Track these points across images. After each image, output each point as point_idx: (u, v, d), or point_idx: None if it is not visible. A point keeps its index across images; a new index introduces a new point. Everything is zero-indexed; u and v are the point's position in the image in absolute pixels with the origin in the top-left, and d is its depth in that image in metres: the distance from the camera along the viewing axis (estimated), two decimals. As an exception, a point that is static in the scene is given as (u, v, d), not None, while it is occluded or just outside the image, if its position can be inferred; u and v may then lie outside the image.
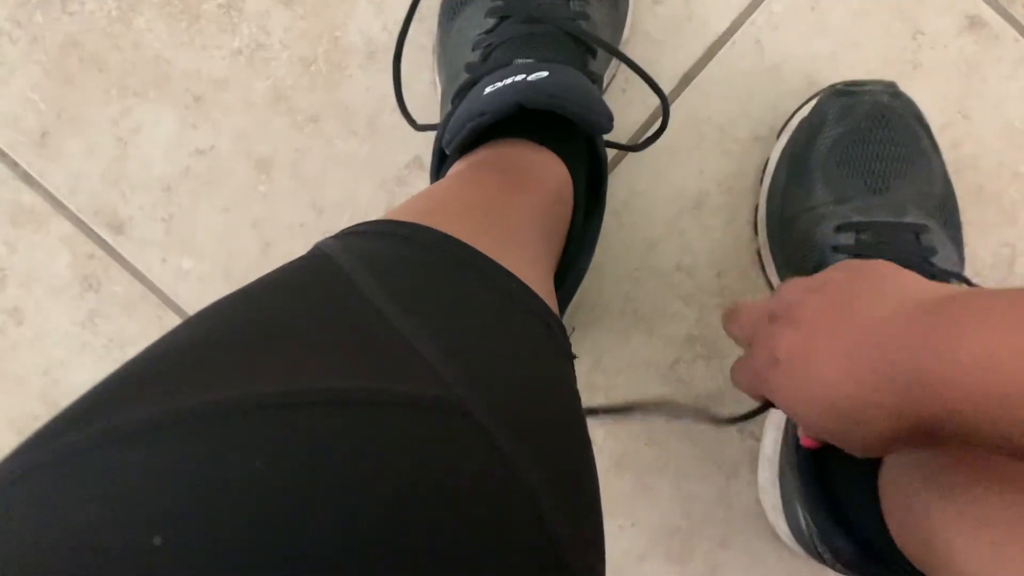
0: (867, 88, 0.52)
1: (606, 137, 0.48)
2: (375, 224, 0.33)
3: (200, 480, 0.19)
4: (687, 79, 0.57)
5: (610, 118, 0.44)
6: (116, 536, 0.18)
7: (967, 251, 0.56)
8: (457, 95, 0.47)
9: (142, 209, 0.60)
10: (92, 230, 0.60)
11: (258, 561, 0.18)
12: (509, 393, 0.25)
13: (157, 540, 0.18)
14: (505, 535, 0.22)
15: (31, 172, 0.60)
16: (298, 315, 0.26)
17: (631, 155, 0.58)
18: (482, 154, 0.45)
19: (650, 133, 0.49)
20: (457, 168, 0.45)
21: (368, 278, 0.28)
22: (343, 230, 0.33)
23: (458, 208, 0.37)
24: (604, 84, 0.55)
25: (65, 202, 0.60)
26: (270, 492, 0.19)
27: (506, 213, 0.39)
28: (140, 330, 0.60)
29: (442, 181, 0.44)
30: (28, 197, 0.60)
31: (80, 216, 0.60)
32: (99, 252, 0.60)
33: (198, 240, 0.60)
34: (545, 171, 0.44)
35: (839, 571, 0.49)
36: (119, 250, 0.60)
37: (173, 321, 0.60)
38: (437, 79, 0.56)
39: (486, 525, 0.21)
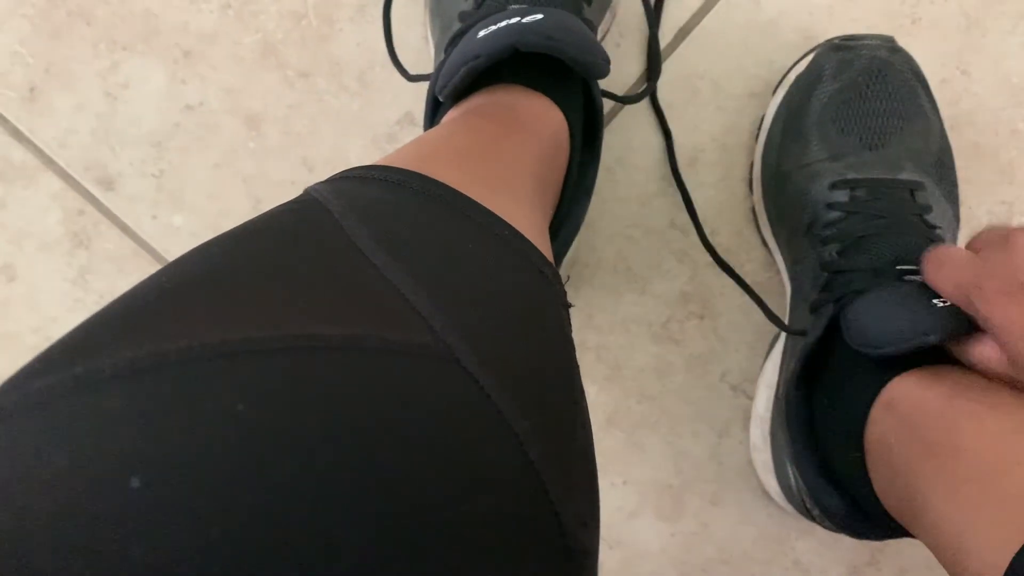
0: (865, 43, 0.51)
1: (602, 86, 0.47)
2: (366, 170, 0.32)
3: (180, 422, 0.19)
4: (683, 33, 0.56)
5: (607, 61, 0.43)
6: (91, 479, 0.18)
7: (963, 209, 0.56)
8: (450, 43, 0.47)
9: (132, 165, 0.59)
10: (82, 186, 0.59)
11: (239, 500, 0.18)
12: (499, 341, 0.25)
13: (135, 482, 0.17)
14: (491, 482, 0.21)
15: (20, 127, 0.59)
16: (284, 259, 0.25)
17: (625, 111, 0.57)
18: (476, 100, 0.44)
19: (640, 90, 0.48)
20: (451, 115, 0.44)
21: (357, 224, 0.27)
22: (334, 175, 0.32)
23: (451, 155, 0.36)
24: (599, 36, 0.54)
25: (55, 158, 0.59)
26: (252, 434, 0.19)
27: (500, 160, 0.38)
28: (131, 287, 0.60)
29: (435, 128, 0.43)
30: (17, 153, 0.59)
31: (70, 172, 0.59)
32: (89, 208, 0.60)
33: (188, 196, 0.59)
34: (541, 117, 0.44)
35: (828, 528, 0.49)
36: (109, 206, 0.59)
37: (165, 278, 0.60)
38: (429, 34, 0.55)
39: (471, 471, 0.21)
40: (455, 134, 0.40)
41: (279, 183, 0.59)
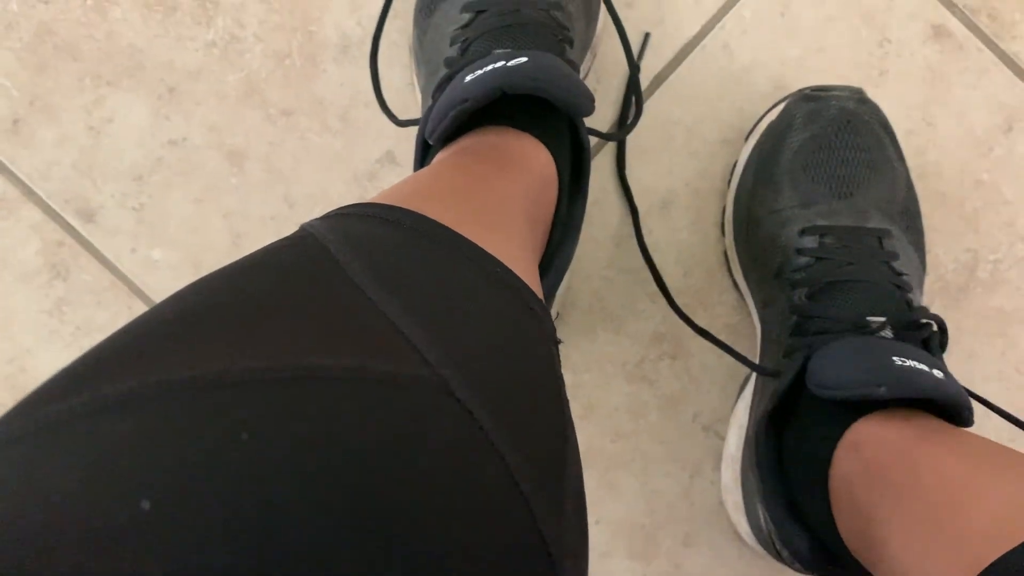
0: (834, 93, 0.53)
1: (587, 124, 0.48)
2: (361, 207, 0.33)
3: (186, 449, 0.19)
4: (658, 80, 0.58)
5: (591, 99, 0.44)
6: (103, 502, 0.18)
7: (930, 257, 0.57)
8: (438, 89, 0.48)
9: (113, 198, 0.60)
10: (62, 218, 0.60)
11: (244, 524, 0.18)
12: (492, 374, 0.26)
13: (145, 504, 0.18)
14: (483, 512, 0.22)
15: (2, 159, 0.59)
16: (282, 293, 0.26)
17: (599, 155, 0.58)
18: (465, 142, 0.45)
19: (630, 120, 0.50)
20: (441, 156, 0.45)
21: (353, 259, 0.28)
22: (329, 212, 0.33)
23: (442, 193, 0.37)
24: (581, 76, 0.55)
25: (36, 189, 0.60)
26: (254, 461, 0.19)
27: (491, 199, 0.39)
28: (109, 319, 0.60)
29: (427, 168, 0.44)
30: (-2, 184, 0.60)
31: (50, 204, 0.60)
32: (69, 240, 0.60)
33: (169, 231, 0.60)
34: (528, 157, 0.45)
35: (798, 570, 0.50)
36: (89, 238, 0.60)
37: (142, 311, 0.60)
38: (415, 79, 0.56)
39: (464, 501, 0.22)
40: (446, 174, 0.41)
41: (260, 219, 0.60)
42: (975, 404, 0.44)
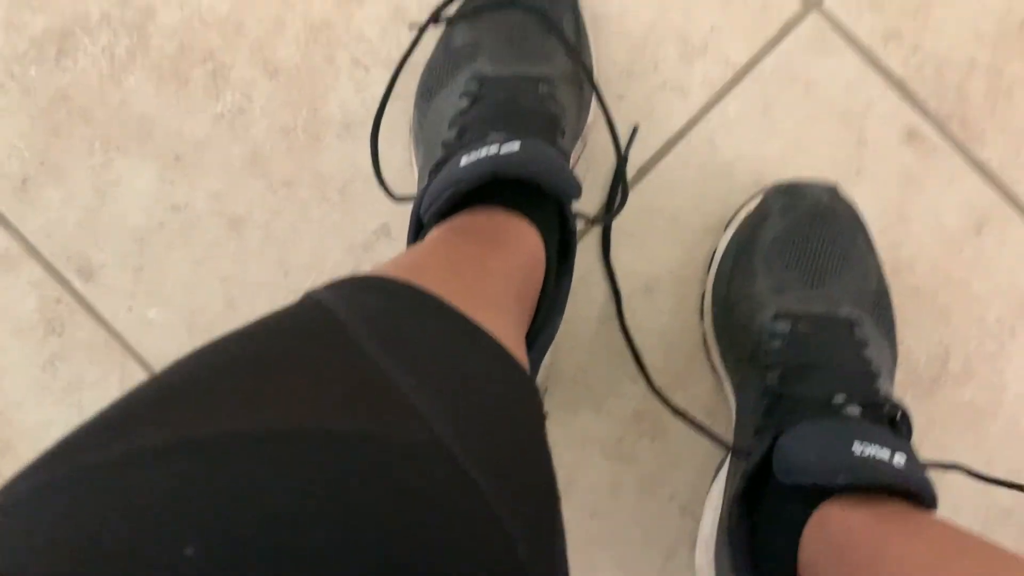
0: (809, 188, 0.55)
1: (575, 208, 0.50)
2: (362, 278, 0.35)
3: (220, 499, 0.21)
4: (644, 170, 0.61)
5: (579, 186, 0.46)
6: (149, 547, 0.20)
7: (903, 349, 0.59)
8: (434, 169, 0.50)
9: (114, 258, 0.61)
10: (62, 275, 0.61)
11: (273, 568, 0.20)
12: (491, 443, 0.27)
13: (189, 551, 0.19)
14: (485, 573, 0.23)
15: (8, 216, 0.61)
16: (298, 356, 0.28)
17: (586, 238, 0.61)
18: (458, 221, 0.47)
19: (616, 206, 0.52)
20: (435, 233, 0.47)
21: (360, 326, 0.29)
22: (333, 281, 0.35)
23: (439, 269, 0.39)
24: (572, 163, 0.58)
25: (38, 247, 0.61)
26: (282, 514, 0.21)
27: (483, 276, 0.41)
28: (101, 376, 0.61)
29: (422, 244, 0.46)
30: (2, 240, 0.61)
31: (51, 261, 0.61)
32: (66, 297, 0.61)
33: (166, 292, 0.61)
34: (518, 236, 0.47)
35: (769, 654, 0.50)
36: (86, 296, 0.61)
37: (134, 369, 0.61)
38: (414, 158, 0.59)
39: (468, 564, 0.23)
40: (441, 251, 0.43)
41: (255, 285, 0.61)
42: (956, 477, 0.45)
